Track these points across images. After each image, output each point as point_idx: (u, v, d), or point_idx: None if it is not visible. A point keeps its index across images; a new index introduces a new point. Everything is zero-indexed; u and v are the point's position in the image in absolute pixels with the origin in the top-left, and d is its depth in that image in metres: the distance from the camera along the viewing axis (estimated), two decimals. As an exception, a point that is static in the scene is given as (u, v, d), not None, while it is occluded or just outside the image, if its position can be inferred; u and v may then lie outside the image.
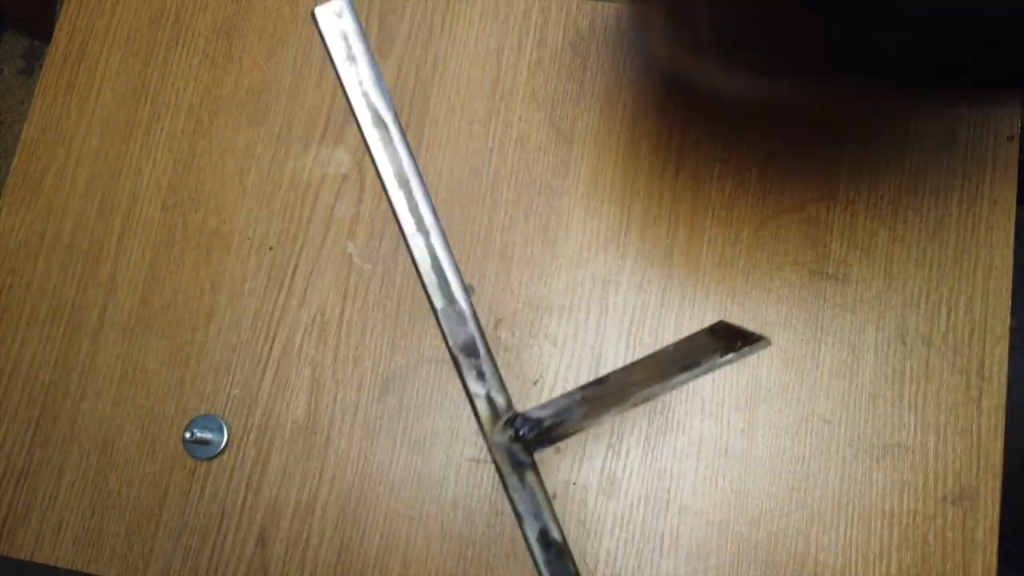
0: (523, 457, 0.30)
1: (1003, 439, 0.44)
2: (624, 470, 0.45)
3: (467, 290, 0.29)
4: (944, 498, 0.44)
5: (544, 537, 0.29)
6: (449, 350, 0.30)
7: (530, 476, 0.30)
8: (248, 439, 0.47)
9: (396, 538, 0.45)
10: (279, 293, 0.49)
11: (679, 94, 0.48)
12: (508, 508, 0.45)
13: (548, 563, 0.29)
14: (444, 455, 0.46)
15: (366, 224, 0.49)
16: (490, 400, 0.30)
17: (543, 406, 0.30)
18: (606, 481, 0.45)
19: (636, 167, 0.49)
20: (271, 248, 0.50)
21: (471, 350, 0.30)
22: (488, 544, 0.45)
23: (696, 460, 0.45)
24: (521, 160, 0.50)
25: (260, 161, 0.51)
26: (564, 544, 0.29)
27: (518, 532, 0.44)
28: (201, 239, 0.50)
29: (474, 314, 0.29)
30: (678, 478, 0.45)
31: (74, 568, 0.46)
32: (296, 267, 0.49)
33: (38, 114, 0.53)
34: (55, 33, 0.54)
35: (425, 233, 0.30)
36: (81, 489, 0.47)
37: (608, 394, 0.29)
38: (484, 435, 0.29)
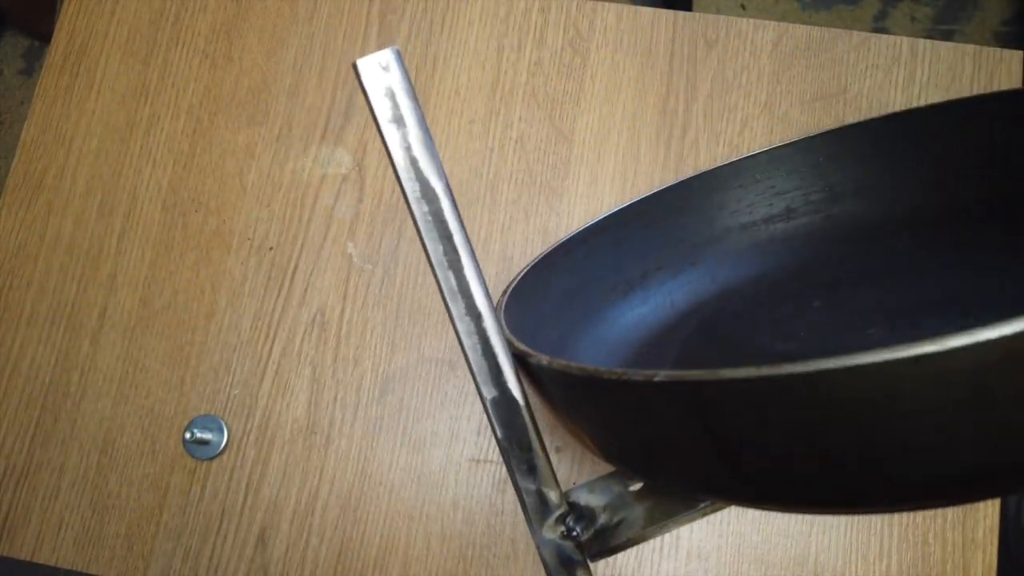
0: (573, 554, 0.28)
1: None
2: (624, 470, 0.45)
3: (519, 379, 0.27)
4: (944, 498, 0.44)
5: None
6: (498, 442, 0.28)
7: (580, 573, 0.28)
8: (248, 439, 0.47)
9: (396, 538, 0.45)
10: (279, 293, 0.49)
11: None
12: (508, 508, 0.45)
13: None
14: (444, 455, 0.46)
15: (366, 224, 0.50)
16: (540, 495, 0.28)
17: (590, 488, 0.29)
18: (606, 481, 0.45)
19: (636, 167, 0.49)
20: (271, 248, 0.50)
21: (523, 443, 0.28)
22: (488, 544, 0.45)
23: (696, 460, 0.45)
24: (521, 160, 0.50)
25: (260, 161, 0.51)
26: None
27: (518, 532, 0.44)
28: (201, 239, 0.50)
29: (527, 405, 0.27)
30: (678, 478, 0.45)
31: (74, 568, 0.46)
32: (296, 267, 0.49)
33: (38, 114, 0.53)
34: (55, 34, 0.54)
35: (476, 317, 0.27)
36: (81, 489, 0.47)
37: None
38: (532, 530, 0.28)
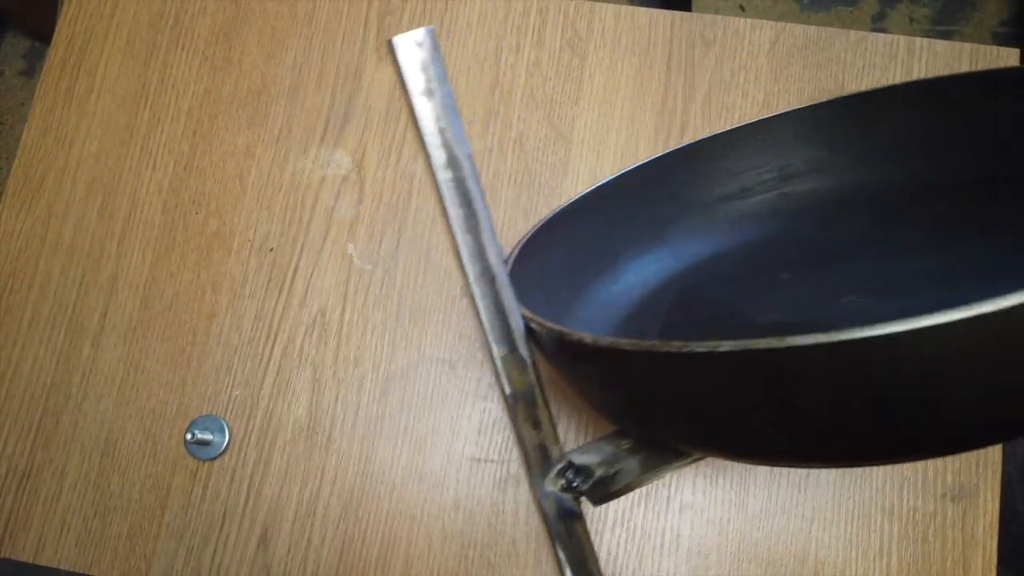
0: (572, 507, 0.29)
1: (1002, 436, 0.44)
2: (624, 469, 0.45)
3: (528, 338, 0.28)
4: (944, 495, 0.44)
5: None
6: (505, 398, 0.29)
7: (577, 526, 0.29)
8: (249, 440, 0.47)
9: (397, 538, 0.45)
10: (280, 294, 0.49)
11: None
12: (510, 508, 0.45)
13: None
14: (445, 455, 0.46)
15: (366, 225, 0.50)
16: (543, 450, 0.29)
17: (584, 450, 0.29)
18: (607, 480, 0.45)
19: (635, 167, 0.50)
20: (271, 249, 0.50)
21: (529, 399, 0.29)
22: (490, 544, 0.45)
23: (696, 458, 0.45)
24: (520, 160, 0.50)
25: (260, 163, 0.51)
26: None
27: (519, 532, 0.44)
28: (202, 241, 0.50)
29: (534, 363, 0.28)
30: (678, 476, 0.45)
31: (76, 570, 0.46)
32: (296, 268, 0.49)
33: (38, 117, 0.53)
34: (54, 37, 0.54)
35: (490, 279, 0.28)
36: (83, 491, 0.47)
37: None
38: (531, 483, 0.29)
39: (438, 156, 0.27)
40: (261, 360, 0.48)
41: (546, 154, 0.50)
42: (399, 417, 0.47)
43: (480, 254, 0.28)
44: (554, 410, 0.46)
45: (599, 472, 0.28)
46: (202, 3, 0.54)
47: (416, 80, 0.27)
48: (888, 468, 0.44)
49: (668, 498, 0.45)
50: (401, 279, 0.49)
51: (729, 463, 0.45)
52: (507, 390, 0.29)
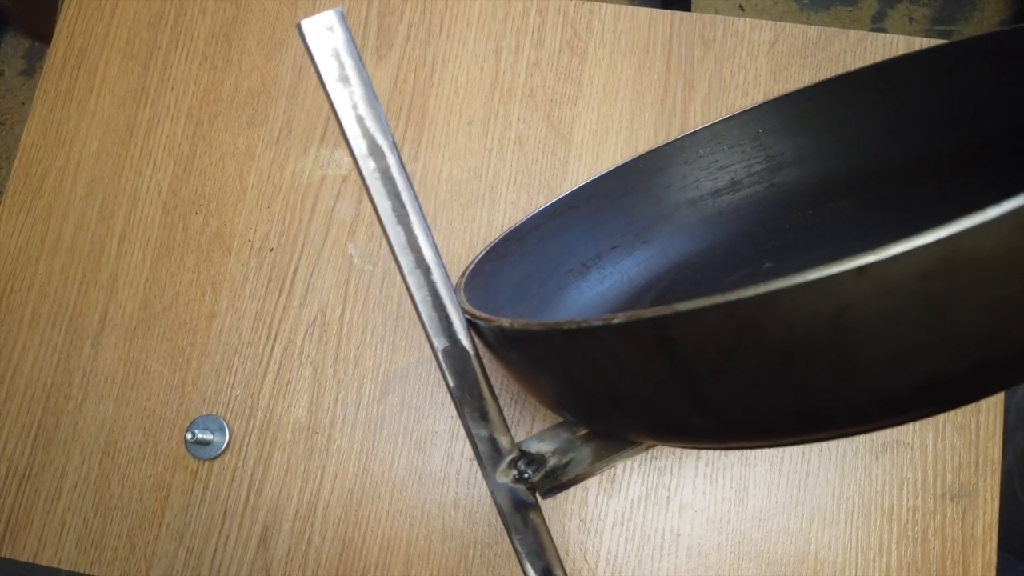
0: (526, 497, 0.29)
1: (1002, 436, 0.44)
2: (624, 468, 0.45)
3: (469, 328, 0.28)
4: (943, 495, 0.44)
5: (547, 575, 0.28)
6: (450, 391, 0.28)
7: (533, 516, 0.29)
8: (250, 439, 0.47)
9: (398, 538, 0.45)
10: (280, 294, 0.49)
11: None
12: (509, 507, 0.45)
13: None
14: (445, 455, 0.46)
15: (366, 225, 0.50)
16: (493, 442, 0.29)
17: (540, 437, 0.29)
18: (606, 479, 0.45)
19: (634, 167, 0.50)
20: (271, 250, 0.50)
21: (474, 391, 0.28)
22: (490, 543, 0.45)
23: (696, 458, 0.45)
24: (520, 161, 0.50)
25: (260, 163, 0.51)
26: None
27: (519, 531, 0.45)
28: (202, 241, 0.50)
29: (476, 353, 0.28)
30: (678, 476, 0.45)
31: (76, 570, 0.46)
32: (297, 268, 0.49)
33: (38, 117, 0.53)
34: (54, 37, 0.54)
35: (425, 270, 0.28)
36: (83, 491, 0.47)
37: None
38: (485, 476, 0.29)
39: (358, 146, 0.27)
40: (261, 360, 0.48)
41: (546, 154, 0.50)
42: (399, 417, 0.47)
43: (413, 245, 0.28)
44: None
45: (552, 461, 0.28)
46: (202, 3, 0.54)
47: (329, 67, 0.26)
48: (888, 468, 0.44)
49: (668, 498, 0.45)
50: (401, 279, 0.49)
51: (729, 463, 0.45)
52: (451, 383, 0.28)
